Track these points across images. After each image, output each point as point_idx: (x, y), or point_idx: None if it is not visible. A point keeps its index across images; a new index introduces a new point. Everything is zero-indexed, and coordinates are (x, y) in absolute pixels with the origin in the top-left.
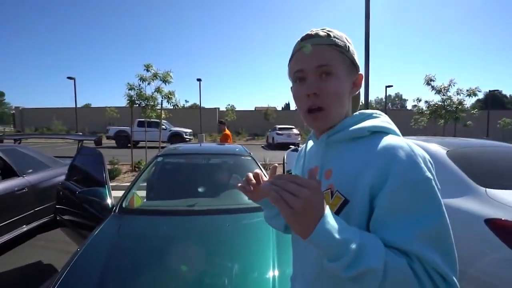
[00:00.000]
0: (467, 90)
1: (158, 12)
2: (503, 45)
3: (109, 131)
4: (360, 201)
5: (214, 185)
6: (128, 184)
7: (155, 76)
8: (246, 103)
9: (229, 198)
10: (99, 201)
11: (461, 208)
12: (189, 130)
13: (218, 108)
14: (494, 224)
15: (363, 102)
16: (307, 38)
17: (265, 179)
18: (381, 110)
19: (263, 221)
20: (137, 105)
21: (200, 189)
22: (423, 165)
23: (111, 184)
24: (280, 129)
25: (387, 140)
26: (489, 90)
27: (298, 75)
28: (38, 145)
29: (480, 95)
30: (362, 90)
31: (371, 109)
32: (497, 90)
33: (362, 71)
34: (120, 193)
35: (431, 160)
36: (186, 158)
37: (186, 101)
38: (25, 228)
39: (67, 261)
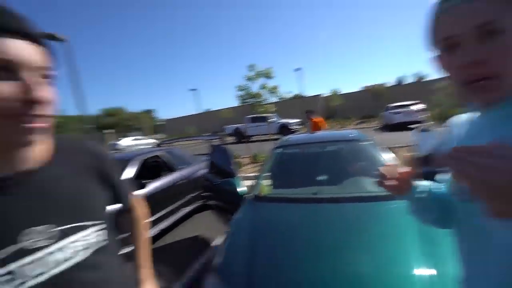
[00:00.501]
0: None
1: (250, 11)
2: None
3: (226, 130)
4: None
5: (335, 173)
6: (251, 174)
7: (258, 74)
8: (353, 84)
9: (354, 186)
10: (233, 190)
11: None
12: (296, 120)
13: (320, 95)
14: None
15: None
16: None
17: (401, 170)
18: None
19: (399, 209)
20: (248, 104)
21: (322, 177)
22: None
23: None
24: (394, 107)
25: None
26: None
27: (447, 43)
28: (181, 146)
29: None
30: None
31: None
32: None
33: None
34: (246, 183)
35: None
36: (303, 148)
37: (290, 92)
38: (186, 209)
39: (222, 239)
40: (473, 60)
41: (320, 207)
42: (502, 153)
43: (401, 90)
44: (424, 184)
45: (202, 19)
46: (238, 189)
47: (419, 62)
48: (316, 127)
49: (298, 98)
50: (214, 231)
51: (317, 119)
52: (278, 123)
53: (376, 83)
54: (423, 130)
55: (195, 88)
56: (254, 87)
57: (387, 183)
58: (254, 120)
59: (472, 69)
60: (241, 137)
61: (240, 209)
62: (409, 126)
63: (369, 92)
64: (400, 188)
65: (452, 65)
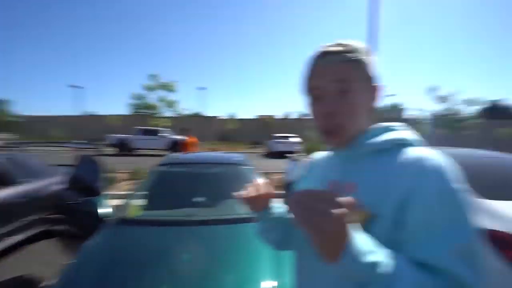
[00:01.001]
0: (469, 100)
1: (159, 19)
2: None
3: (109, 139)
4: (388, 216)
5: (213, 195)
6: (126, 192)
7: (161, 86)
8: (247, 112)
9: (229, 208)
10: (94, 211)
11: None
12: None
13: (218, 116)
14: (491, 236)
15: None
16: (321, 55)
17: (264, 188)
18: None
19: None
20: (141, 114)
21: (199, 199)
22: (454, 175)
23: (109, 192)
24: (278, 137)
25: (414, 152)
26: (491, 100)
27: (314, 93)
28: (39, 153)
29: (482, 105)
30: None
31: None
32: (500, 99)
33: None
34: (118, 202)
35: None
36: (186, 167)
37: (187, 109)
38: (17, 237)
39: (60, 271)
40: (329, 110)
41: (188, 230)
42: (335, 201)
43: (287, 123)
44: (277, 206)
45: (103, 10)
46: (100, 211)
47: (301, 102)
48: (187, 147)
49: (196, 116)
50: (51, 267)
51: (191, 138)
52: (171, 138)
53: (268, 114)
54: (293, 160)
55: (78, 85)
56: (152, 98)
57: (246, 195)
58: (145, 132)
59: (328, 118)
60: (125, 149)
61: (95, 235)
62: (287, 155)
63: (261, 121)
64: (257, 204)
65: (318, 113)
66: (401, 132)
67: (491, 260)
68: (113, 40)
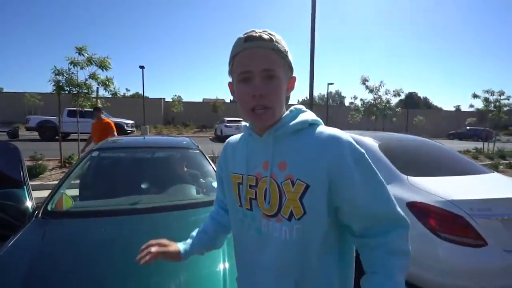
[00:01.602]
0: (394, 91)
1: None
2: (420, 53)
3: (29, 121)
4: (319, 184)
5: (159, 181)
6: (56, 182)
7: (89, 61)
8: (194, 95)
9: (176, 194)
10: (15, 205)
11: None
12: (131, 122)
13: (164, 99)
14: (413, 206)
15: (307, 97)
16: (251, 39)
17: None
18: (323, 106)
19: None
20: (67, 92)
21: (143, 186)
22: (355, 145)
23: (34, 183)
24: (229, 121)
25: (327, 130)
26: (408, 92)
27: (243, 75)
28: None
29: (402, 96)
30: (307, 87)
31: (314, 105)
32: (414, 92)
33: (307, 69)
34: (46, 194)
35: None
36: (127, 152)
37: (127, 90)
38: None
39: None
40: (259, 93)
41: (132, 220)
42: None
43: (237, 107)
44: (186, 244)
45: None
46: (25, 204)
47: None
48: (100, 130)
49: (137, 97)
50: None
51: (103, 121)
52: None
53: (217, 98)
54: None
55: None
56: (82, 75)
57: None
58: (74, 114)
59: (256, 100)
60: (53, 133)
61: (19, 231)
62: None
63: (209, 104)
64: (174, 256)
65: (246, 94)
66: (309, 113)
67: (414, 226)
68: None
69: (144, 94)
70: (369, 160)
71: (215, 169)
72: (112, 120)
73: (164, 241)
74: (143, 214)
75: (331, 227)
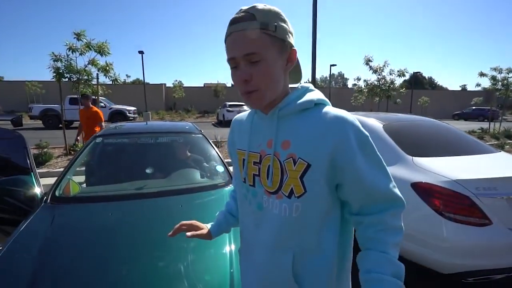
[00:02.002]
0: (398, 71)
1: None
2: (424, 32)
3: (32, 110)
4: (321, 164)
5: (163, 165)
6: (62, 169)
7: (88, 46)
8: (195, 80)
9: (181, 178)
10: (24, 191)
11: (393, 174)
12: (133, 108)
13: (165, 84)
14: (417, 187)
15: (310, 80)
16: (234, 22)
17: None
18: (325, 89)
19: (216, 199)
20: (67, 79)
21: (147, 171)
22: (360, 127)
23: (41, 170)
24: (231, 105)
25: (332, 111)
26: (413, 72)
27: (231, 62)
28: None
29: (406, 76)
30: (309, 69)
31: (316, 87)
32: (419, 72)
33: (309, 50)
34: (53, 181)
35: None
36: (130, 138)
37: (128, 76)
38: None
39: None
40: (244, 78)
41: (138, 204)
42: None
43: (237, 91)
44: (212, 224)
45: None
46: (33, 190)
47: None
48: (86, 117)
49: (138, 83)
50: None
51: (91, 109)
52: (111, 108)
53: (218, 82)
54: None
55: None
56: (81, 61)
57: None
58: (76, 101)
59: (243, 85)
60: (56, 121)
61: (29, 216)
62: None
63: (210, 89)
64: (204, 235)
65: (236, 80)
66: (316, 93)
67: (419, 206)
68: None
69: (145, 80)
70: (373, 143)
71: (218, 153)
72: (113, 107)
73: (195, 222)
74: (148, 198)
75: (331, 206)
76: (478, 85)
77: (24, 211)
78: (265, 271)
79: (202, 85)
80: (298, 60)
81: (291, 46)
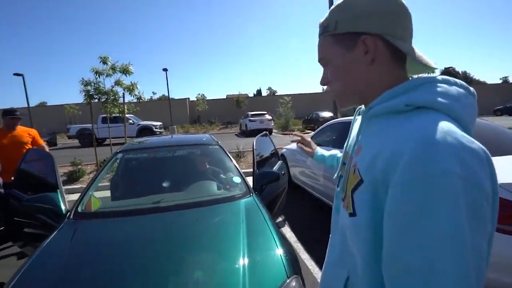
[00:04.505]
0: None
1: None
2: (457, 24)
3: (70, 130)
4: (369, 184)
5: (181, 178)
6: (86, 185)
7: (113, 68)
8: (217, 92)
9: (198, 191)
10: (52, 208)
11: None
12: (159, 123)
13: (188, 98)
14: None
15: None
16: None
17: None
18: None
19: (233, 211)
20: (97, 100)
21: (164, 184)
22: (451, 156)
23: (75, 186)
24: (253, 115)
25: (423, 119)
26: (444, 68)
27: (321, 63)
28: None
29: (436, 72)
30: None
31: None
32: (451, 67)
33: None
34: (80, 196)
35: (482, 157)
36: (148, 152)
37: (154, 93)
38: None
39: (17, 273)
40: (321, 82)
41: (156, 218)
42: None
43: (260, 100)
44: (322, 152)
45: None
46: (60, 207)
47: (272, 79)
48: (9, 142)
49: (164, 100)
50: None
51: (22, 129)
52: (139, 125)
53: (240, 93)
54: (262, 135)
55: (21, 73)
56: (108, 82)
57: (302, 146)
58: (108, 120)
59: (328, 90)
60: (90, 139)
61: (52, 234)
62: (264, 132)
63: (232, 100)
64: (308, 151)
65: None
66: (431, 90)
67: None
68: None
69: (170, 96)
70: (454, 197)
71: (236, 164)
72: (141, 123)
73: (310, 141)
74: (165, 212)
75: (379, 242)
76: None
77: (51, 226)
78: (327, 277)
79: (225, 97)
80: (405, 45)
81: (363, 32)
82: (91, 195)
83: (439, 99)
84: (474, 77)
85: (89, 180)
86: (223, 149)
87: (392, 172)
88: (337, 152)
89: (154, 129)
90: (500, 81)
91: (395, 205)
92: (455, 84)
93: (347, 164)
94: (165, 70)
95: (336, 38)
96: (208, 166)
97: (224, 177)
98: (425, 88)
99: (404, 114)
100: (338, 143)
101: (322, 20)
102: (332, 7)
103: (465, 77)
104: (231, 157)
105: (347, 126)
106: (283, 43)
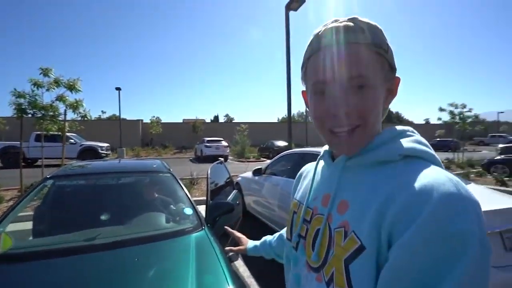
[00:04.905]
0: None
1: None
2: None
3: None
4: (375, 251)
5: (124, 209)
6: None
7: (56, 82)
8: (173, 115)
9: (142, 224)
10: None
11: None
12: (106, 144)
13: (142, 120)
14: None
15: (286, 115)
16: (333, 33)
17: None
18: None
19: (182, 248)
20: (30, 116)
21: (104, 217)
22: (471, 214)
23: None
24: (209, 141)
25: (424, 171)
26: None
27: (320, 87)
28: None
29: None
30: (284, 104)
31: (293, 122)
32: None
33: (284, 84)
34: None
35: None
36: (87, 179)
37: (103, 112)
38: None
39: None
40: (342, 112)
41: (93, 258)
42: None
43: (217, 126)
44: (253, 243)
45: None
46: None
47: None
48: None
49: (114, 119)
50: None
51: None
52: (82, 145)
53: (197, 118)
54: (218, 163)
55: None
56: (47, 97)
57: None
58: (43, 138)
59: (333, 119)
60: (17, 159)
61: None
62: (218, 158)
63: (188, 125)
64: (240, 249)
65: (322, 111)
66: (415, 140)
67: None
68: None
69: (121, 116)
70: (473, 253)
71: (188, 194)
72: (84, 143)
73: (242, 237)
74: (100, 251)
75: None
76: (439, 119)
77: None
78: None
79: (181, 121)
80: None
81: (395, 73)
82: (2, 232)
83: (424, 148)
84: (404, 117)
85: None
86: (175, 177)
87: (402, 227)
88: (266, 238)
89: (100, 151)
90: (424, 122)
91: (410, 263)
92: (414, 133)
93: (323, 222)
94: (118, 89)
95: (383, 62)
96: (156, 195)
97: (175, 208)
98: (404, 137)
99: (392, 164)
100: (292, 174)
101: (359, 21)
102: (370, 22)
103: (398, 117)
104: (183, 186)
105: (302, 157)
106: (243, 72)
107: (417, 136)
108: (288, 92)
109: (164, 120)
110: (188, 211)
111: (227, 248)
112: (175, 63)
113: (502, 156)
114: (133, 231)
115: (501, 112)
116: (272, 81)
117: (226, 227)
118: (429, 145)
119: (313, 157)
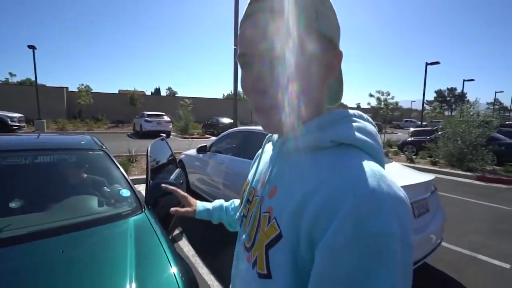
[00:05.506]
0: None
1: None
2: None
3: None
4: (292, 241)
5: (44, 194)
6: None
7: None
8: (107, 86)
9: (70, 210)
10: None
11: None
12: (18, 115)
13: (67, 88)
14: None
15: (232, 92)
16: (257, 0)
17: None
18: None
19: (118, 233)
20: None
21: (15, 204)
22: (390, 212)
23: None
24: (149, 115)
25: (350, 163)
26: None
27: (242, 59)
28: None
29: None
30: (231, 80)
31: (238, 101)
32: None
33: (231, 59)
34: None
35: (408, 205)
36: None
37: (12, 75)
38: None
39: None
40: (259, 86)
41: (3, 255)
42: None
43: (159, 100)
44: (204, 205)
45: None
46: None
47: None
48: None
49: (28, 85)
50: None
51: None
52: None
53: (135, 89)
54: (158, 140)
55: None
56: None
57: (177, 209)
58: None
59: (255, 95)
60: None
61: None
62: (160, 134)
63: (126, 97)
64: (188, 211)
65: (247, 85)
66: (356, 126)
67: None
68: None
69: (37, 81)
70: (392, 257)
71: (124, 173)
72: None
73: (188, 198)
74: (9, 245)
75: None
76: (368, 103)
77: None
78: None
79: (117, 92)
80: (341, 71)
81: (336, 46)
82: None
83: (363, 137)
84: None
85: None
86: (108, 155)
87: (323, 225)
88: (221, 202)
89: (10, 122)
90: (355, 106)
91: (330, 268)
92: (367, 120)
93: (256, 204)
94: (32, 47)
95: (310, 31)
96: (85, 176)
97: (109, 190)
98: (345, 123)
99: (326, 150)
100: (238, 152)
101: None
102: None
103: None
104: (119, 166)
105: (248, 136)
106: (188, 44)
107: (362, 123)
108: (235, 67)
109: (95, 89)
110: (125, 192)
111: (172, 209)
112: (110, 25)
113: (412, 138)
114: (55, 219)
115: (413, 101)
116: (218, 55)
117: (163, 184)
118: (373, 133)
119: (260, 136)
